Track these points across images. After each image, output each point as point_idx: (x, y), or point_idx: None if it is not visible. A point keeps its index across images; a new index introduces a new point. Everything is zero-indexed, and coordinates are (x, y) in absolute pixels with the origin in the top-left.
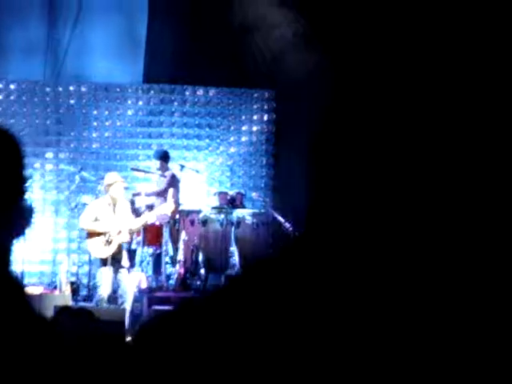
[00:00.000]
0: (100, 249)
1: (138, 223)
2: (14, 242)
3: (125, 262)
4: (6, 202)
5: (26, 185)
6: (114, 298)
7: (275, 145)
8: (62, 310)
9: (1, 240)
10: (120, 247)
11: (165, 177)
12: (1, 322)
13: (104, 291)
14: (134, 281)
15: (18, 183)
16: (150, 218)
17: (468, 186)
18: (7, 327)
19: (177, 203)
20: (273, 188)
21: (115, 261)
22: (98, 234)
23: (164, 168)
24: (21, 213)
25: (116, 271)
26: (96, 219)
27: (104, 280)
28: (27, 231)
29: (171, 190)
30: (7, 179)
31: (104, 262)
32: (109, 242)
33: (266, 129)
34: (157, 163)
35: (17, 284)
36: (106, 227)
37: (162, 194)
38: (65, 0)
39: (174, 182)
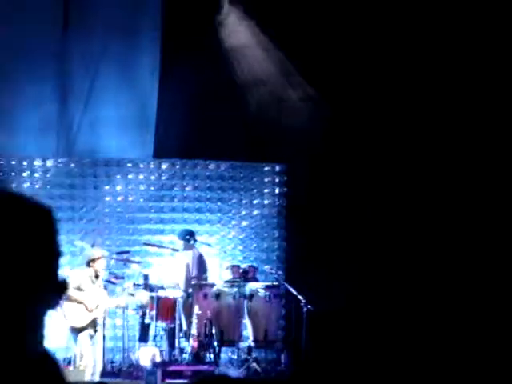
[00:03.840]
0: (77, 317)
1: (113, 303)
2: (47, 315)
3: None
4: (42, 275)
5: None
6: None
7: (286, 218)
8: None
9: (36, 314)
10: (94, 320)
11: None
12: None
13: (85, 361)
14: (147, 355)
15: (54, 258)
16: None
17: None
18: None
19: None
20: (285, 261)
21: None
22: (78, 303)
23: (188, 247)
24: (55, 287)
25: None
26: (79, 288)
27: (84, 348)
28: (59, 305)
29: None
30: (44, 254)
31: (78, 331)
32: (89, 312)
33: (277, 202)
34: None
35: (52, 360)
36: (87, 298)
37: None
38: (77, 78)
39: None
